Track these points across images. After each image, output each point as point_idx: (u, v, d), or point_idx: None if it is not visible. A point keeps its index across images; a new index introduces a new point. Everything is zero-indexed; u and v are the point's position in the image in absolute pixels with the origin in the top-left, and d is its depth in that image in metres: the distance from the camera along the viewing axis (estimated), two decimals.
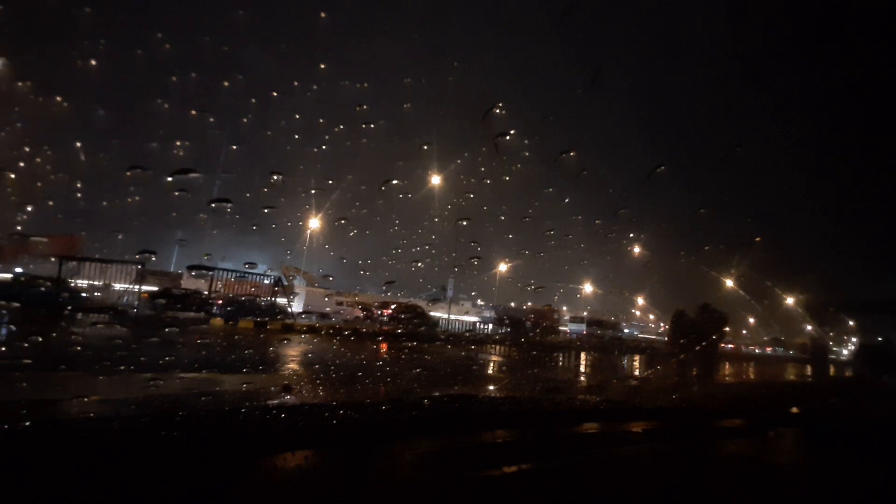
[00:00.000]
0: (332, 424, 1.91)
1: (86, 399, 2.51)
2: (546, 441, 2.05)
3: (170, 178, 3.79)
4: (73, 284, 12.92)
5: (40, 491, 1.15)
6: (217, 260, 15.34)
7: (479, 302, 28.05)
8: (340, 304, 22.10)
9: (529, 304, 25.82)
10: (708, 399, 4.89)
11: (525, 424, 2.31)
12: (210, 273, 15.46)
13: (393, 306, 20.03)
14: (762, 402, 5.15)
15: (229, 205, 4.67)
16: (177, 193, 3.86)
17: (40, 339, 3.78)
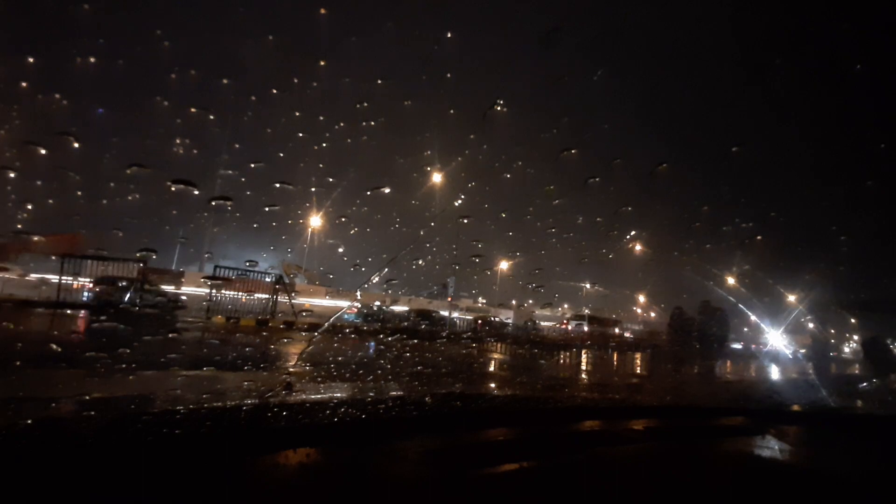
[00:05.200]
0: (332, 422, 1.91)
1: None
2: (547, 439, 2.05)
3: (172, 187, 3.75)
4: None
5: (40, 490, 1.14)
6: (218, 258, 15.35)
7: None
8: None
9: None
10: (709, 397, 4.88)
11: (526, 422, 2.31)
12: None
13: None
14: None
15: (229, 203, 4.65)
16: (174, 189, 3.83)
17: None
